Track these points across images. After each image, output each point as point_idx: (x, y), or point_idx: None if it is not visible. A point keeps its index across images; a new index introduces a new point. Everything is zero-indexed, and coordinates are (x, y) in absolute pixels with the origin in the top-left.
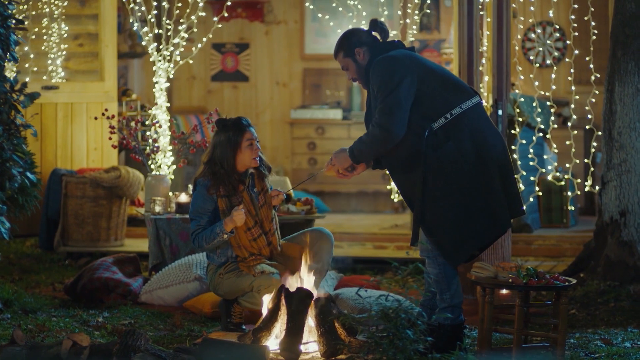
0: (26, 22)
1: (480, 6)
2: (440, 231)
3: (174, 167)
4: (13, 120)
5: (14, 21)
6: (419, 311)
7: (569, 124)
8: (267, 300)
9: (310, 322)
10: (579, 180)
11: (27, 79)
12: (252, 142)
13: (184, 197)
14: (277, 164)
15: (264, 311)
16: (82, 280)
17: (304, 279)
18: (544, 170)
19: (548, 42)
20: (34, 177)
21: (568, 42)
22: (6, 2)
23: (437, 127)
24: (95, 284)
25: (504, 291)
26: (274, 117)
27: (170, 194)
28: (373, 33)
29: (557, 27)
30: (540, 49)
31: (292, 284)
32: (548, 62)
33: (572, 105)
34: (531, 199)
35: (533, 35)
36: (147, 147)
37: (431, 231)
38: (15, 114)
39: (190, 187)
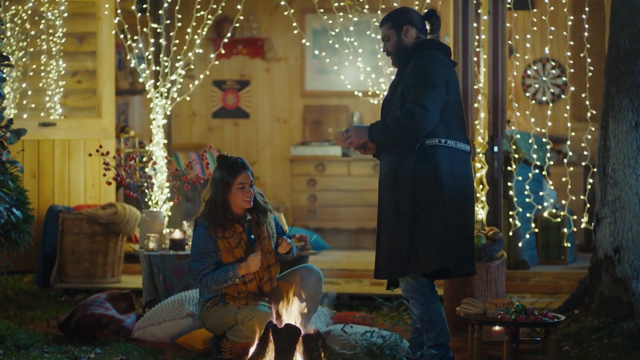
0: (24, 59)
1: (476, 43)
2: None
3: (170, 203)
4: None
5: None
6: (405, 347)
7: (566, 160)
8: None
9: (298, 358)
10: (576, 217)
11: (24, 116)
12: (244, 185)
13: (177, 234)
14: (277, 200)
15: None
16: (76, 316)
17: (293, 315)
18: (540, 207)
19: (546, 79)
20: (20, 213)
21: (564, 78)
22: None
23: (428, 144)
24: (88, 320)
25: (497, 328)
26: (274, 153)
27: (165, 230)
28: (425, 22)
29: (557, 63)
30: (538, 85)
31: (281, 320)
32: (546, 98)
33: (569, 142)
34: (528, 236)
35: (531, 72)
36: (143, 184)
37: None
38: (1, 151)
39: (185, 224)
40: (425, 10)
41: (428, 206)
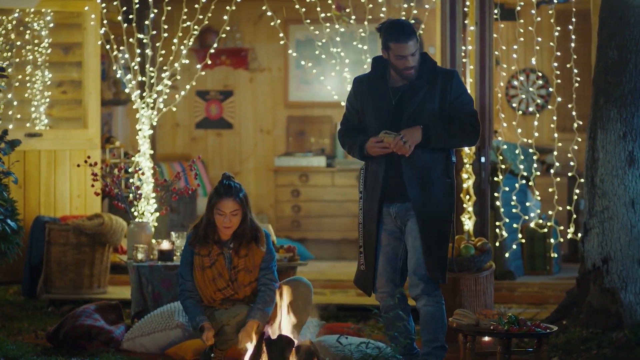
0: (10, 70)
1: (462, 54)
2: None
3: (157, 214)
4: None
5: None
6: (400, 358)
7: (552, 171)
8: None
9: None
10: (562, 227)
11: (10, 126)
12: (223, 213)
13: (166, 245)
14: (261, 211)
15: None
16: (65, 328)
17: (285, 327)
18: (527, 217)
19: (531, 89)
20: (15, 224)
21: (551, 89)
22: None
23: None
24: (77, 331)
25: (486, 338)
26: (257, 164)
27: (153, 241)
28: None
29: (541, 74)
30: (524, 96)
31: (273, 331)
32: (531, 109)
33: (555, 153)
34: (514, 246)
35: (516, 83)
36: (130, 195)
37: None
38: None
39: (173, 234)
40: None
41: (451, 217)
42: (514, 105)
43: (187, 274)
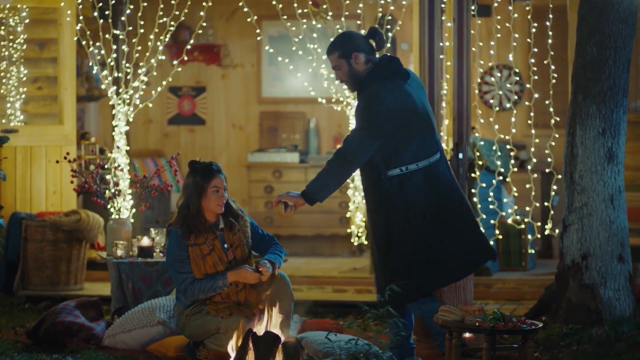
0: None
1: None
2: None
3: (134, 210)
4: None
5: None
6: (389, 355)
7: (529, 167)
8: (232, 342)
9: None
10: (539, 224)
11: None
12: (218, 189)
13: (146, 241)
14: None
15: (230, 352)
16: (45, 324)
17: (271, 323)
18: (504, 213)
19: (507, 85)
20: (2, 221)
21: (528, 85)
22: None
23: (390, 175)
24: (58, 328)
25: (467, 334)
26: (230, 160)
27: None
28: (370, 40)
29: (513, 70)
30: (494, 92)
31: (260, 328)
32: (506, 105)
33: (533, 149)
34: (491, 242)
35: (492, 79)
36: (107, 191)
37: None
38: None
39: (152, 230)
40: (368, 29)
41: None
42: (491, 101)
43: (185, 269)
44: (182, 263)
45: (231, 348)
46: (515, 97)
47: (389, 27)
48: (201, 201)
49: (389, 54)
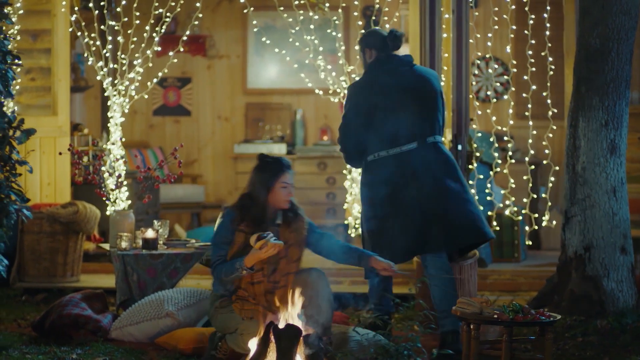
0: None
1: None
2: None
3: (129, 202)
4: (10, 157)
5: (11, 57)
6: (418, 347)
7: (526, 159)
8: (252, 345)
9: (299, 359)
10: (536, 215)
11: None
12: (287, 185)
13: (150, 233)
14: (220, 199)
15: (251, 347)
16: (51, 317)
17: (293, 316)
18: (501, 205)
19: (499, 77)
20: (30, 213)
21: (506, 77)
22: (2, 39)
23: (369, 160)
24: (65, 320)
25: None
26: (215, 151)
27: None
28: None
29: (500, 61)
30: (482, 83)
31: (281, 320)
32: (490, 94)
33: (530, 141)
34: None
35: (476, 71)
36: (102, 183)
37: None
38: (11, 150)
39: (156, 222)
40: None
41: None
42: (479, 93)
43: (222, 250)
44: (221, 244)
45: (252, 344)
46: (499, 89)
47: (374, 18)
48: (268, 195)
49: (388, 54)
